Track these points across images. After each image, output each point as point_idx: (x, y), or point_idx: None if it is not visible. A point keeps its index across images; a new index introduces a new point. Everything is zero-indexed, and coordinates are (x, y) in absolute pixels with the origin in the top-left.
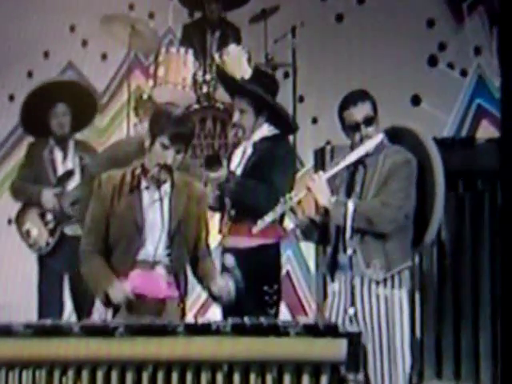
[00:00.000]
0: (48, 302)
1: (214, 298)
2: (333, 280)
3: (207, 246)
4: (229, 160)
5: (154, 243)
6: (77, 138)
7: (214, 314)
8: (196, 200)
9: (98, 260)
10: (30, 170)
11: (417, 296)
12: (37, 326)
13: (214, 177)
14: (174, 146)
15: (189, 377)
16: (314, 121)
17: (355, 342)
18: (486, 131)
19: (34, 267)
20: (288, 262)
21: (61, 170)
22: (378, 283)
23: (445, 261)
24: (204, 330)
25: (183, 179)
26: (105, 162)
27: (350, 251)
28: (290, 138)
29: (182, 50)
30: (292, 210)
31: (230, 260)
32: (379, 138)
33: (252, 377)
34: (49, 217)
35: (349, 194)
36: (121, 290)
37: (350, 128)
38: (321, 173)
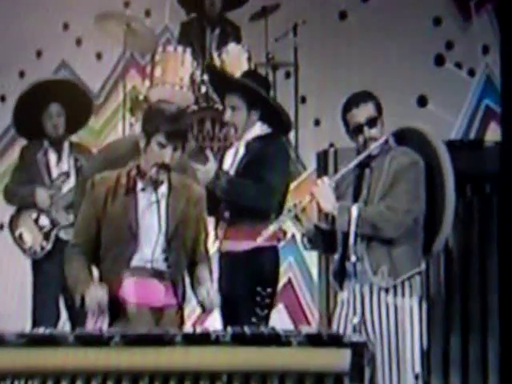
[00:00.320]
0: (43, 308)
1: (199, 303)
2: (341, 288)
3: (206, 250)
4: (221, 161)
5: (151, 247)
6: (72, 140)
7: (214, 322)
8: (194, 202)
9: (80, 262)
10: (23, 174)
11: (424, 304)
12: (30, 336)
13: (203, 171)
14: (171, 144)
15: None
16: (317, 122)
17: (359, 352)
18: (495, 133)
19: (27, 274)
20: (290, 269)
21: (55, 173)
22: (387, 291)
23: (452, 268)
24: (203, 339)
25: (181, 181)
26: (99, 164)
27: (353, 258)
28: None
29: (180, 48)
30: (297, 217)
31: None
32: (383, 138)
33: None
34: (43, 220)
35: (356, 199)
36: (96, 295)
37: (354, 130)
38: (325, 178)
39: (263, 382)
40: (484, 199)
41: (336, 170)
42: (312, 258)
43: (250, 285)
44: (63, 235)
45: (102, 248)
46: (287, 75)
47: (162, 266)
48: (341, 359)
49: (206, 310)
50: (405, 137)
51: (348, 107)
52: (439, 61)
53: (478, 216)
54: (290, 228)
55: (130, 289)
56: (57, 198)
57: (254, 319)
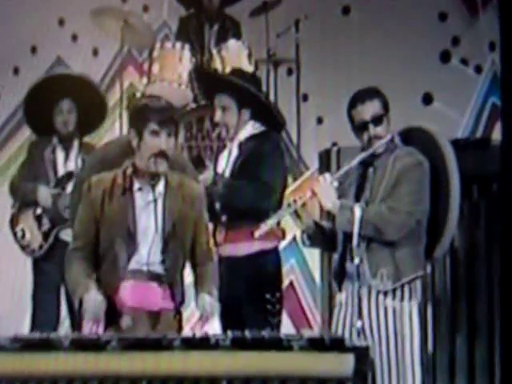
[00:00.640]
0: (43, 309)
1: (197, 309)
2: (340, 290)
3: (209, 251)
4: (215, 163)
5: (148, 248)
6: (82, 140)
7: (213, 326)
8: (192, 201)
9: (80, 266)
10: (29, 169)
11: (429, 308)
12: (25, 340)
13: (202, 179)
14: (164, 130)
15: None
16: (319, 121)
17: (363, 356)
18: None
19: (25, 276)
20: (292, 272)
21: (62, 171)
22: (386, 294)
23: (458, 270)
24: (202, 343)
25: (178, 179)
26: (95, 166)
27: (356, 260)
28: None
29: (178, 45)
30: (296, 213)
31: None
32: (388, 137)
33: None
34: (44, 219)
35: (358, 198)
36: (94, 301)
37: (358, 127)
38: (326, 175)
39: None
40: (491, 200)
41: (339, 170)
42: (314, 260)
43: (256, 291)
44: (64, 236)
45: (100, 250)
46: (289, 72)
47: (158, 268)
48: (344, 364)
49: (202, 317)
50: (411, 136)
51: (353, 103)
52: (445, 57)
53: (485, 217)
54: (292, 229)
55: (127, 292)
56: (60, 198)
57: (267, 328)
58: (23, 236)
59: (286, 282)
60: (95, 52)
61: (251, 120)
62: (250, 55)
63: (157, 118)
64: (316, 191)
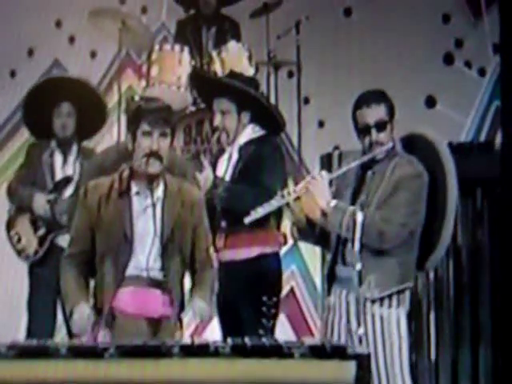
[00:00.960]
0: (39, 315)
1: (193, 314)
2: (329, 293)
3: (208, 258)
4: (214, 167)
5: (146, 253)
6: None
7: (213, 333)
8: (191, 206)
9: (73, 274)
10: (27, 173)
11: (432, 313)
12: (21, 347)
13: (200, 179)
14: (156, 130)
15: None
16: (321, 124)
17: (364, 364)
18: None
19: (20, 282)
20: (292, 278)
21: (59, 176)
22: (373, 301)
23: (462, 275)
24: (201, 351)
25: (177, 184)
26: (93, 172)
27: (358, 266)
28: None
29: (177, 47)
30: (289, 205)
31: None
32: (389, 145)
33: None
34: (40, 224)
35: (354, 200)
36: (82, 312)
37: (361, 130)
38: (323, 172)
39: None
40: (494, 203)
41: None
42: (315, 266)
43: (253, 294)
44: (60, 241)
45: (96, 256)
46: (290, 74)
47: (158, 274)
48: (345, 372)
49: (199, 321)
50: (412, 143)
51: (359, 104)
52: (448, 60)
53: (489, 222)
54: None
55: (126, 299)
56: (57, 203)
57: (260, 331)
58: (19, 240)
59: (286, 288)
60: (93, 54)
61: (251, 123)
62: (250, 57)
63: (148, 118)
64: (311, 188)
